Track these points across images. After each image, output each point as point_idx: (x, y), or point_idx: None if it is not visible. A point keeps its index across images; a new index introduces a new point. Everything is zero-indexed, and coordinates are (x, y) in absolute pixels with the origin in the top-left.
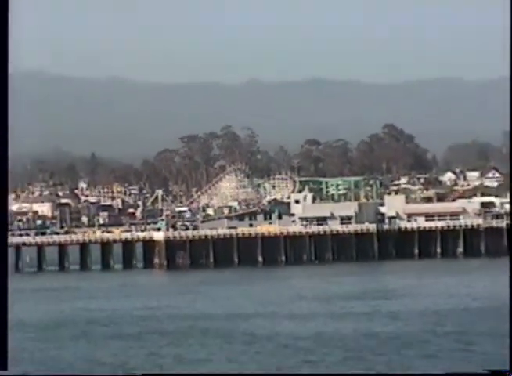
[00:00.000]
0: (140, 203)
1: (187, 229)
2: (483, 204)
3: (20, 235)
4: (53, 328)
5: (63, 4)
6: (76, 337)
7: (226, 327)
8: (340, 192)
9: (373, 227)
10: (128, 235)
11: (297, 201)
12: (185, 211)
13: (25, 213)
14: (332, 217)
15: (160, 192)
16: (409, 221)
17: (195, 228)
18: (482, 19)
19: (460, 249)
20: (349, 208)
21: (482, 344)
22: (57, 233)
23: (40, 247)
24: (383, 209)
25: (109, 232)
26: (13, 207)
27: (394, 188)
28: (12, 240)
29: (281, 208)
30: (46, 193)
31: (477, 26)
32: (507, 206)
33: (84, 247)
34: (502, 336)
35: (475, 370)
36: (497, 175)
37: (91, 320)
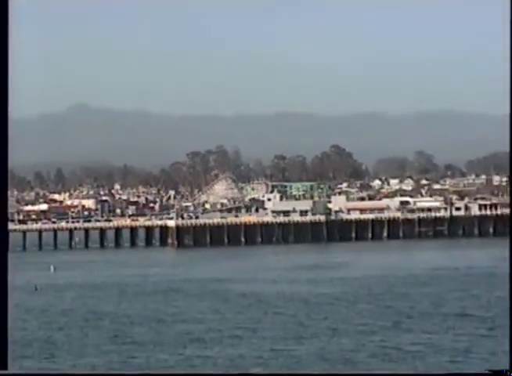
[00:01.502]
0: (158, 200)
1: (191, 218)
2: (401, 202)
3: (72, 222)
4: (88, 289)
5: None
6: (98, 296)
7: (209, 288)
8: (300, 193)
9: (323, 218)
10: (149, 222)
11: (269, 199)
12: (189, 206)
13: (76, 206)
14: (294, 211)
15: (172, 192)
16: (348, 214)
17: (197, 218)
18: (415, 54)
19: (385, 234)
20: (306, 205)
21: (386, 302)
22: (98, 221)
23: (86, 231)
24: (330, 205)
25: (135, 220)
26: (67, 202)
27: (338, 190)
28: (67, 225)
29: (258, 204)
30: (91, 192)
31: (408, 63)
32: (418, 203)
33: (117, 231)
34: (402, 298)
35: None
36: (411, 181)
37: (115, 283)
